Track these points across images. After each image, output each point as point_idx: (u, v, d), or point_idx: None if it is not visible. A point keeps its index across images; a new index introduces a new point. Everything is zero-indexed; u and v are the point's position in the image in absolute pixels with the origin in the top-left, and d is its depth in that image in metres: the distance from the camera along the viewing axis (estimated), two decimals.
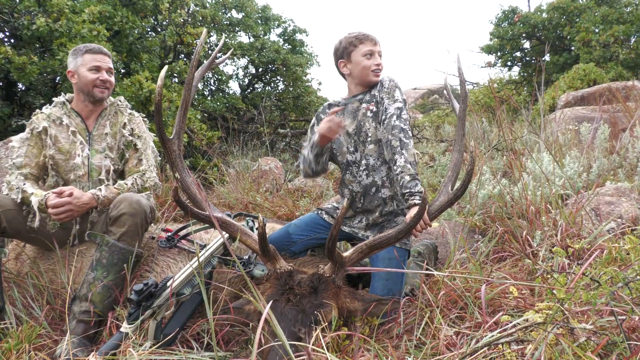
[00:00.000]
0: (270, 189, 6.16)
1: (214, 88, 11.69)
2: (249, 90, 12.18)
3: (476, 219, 3.56)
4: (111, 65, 3.04)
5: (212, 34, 10.51)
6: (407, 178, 2.40)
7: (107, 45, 5.86)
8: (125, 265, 2.53)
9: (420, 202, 2.31)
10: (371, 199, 2.71)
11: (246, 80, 12.48)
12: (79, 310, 2.47)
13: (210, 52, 10.28)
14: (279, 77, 12.09)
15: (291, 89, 11.73)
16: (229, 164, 7.09)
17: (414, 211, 2.29)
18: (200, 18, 9.14)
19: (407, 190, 2.39)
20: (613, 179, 4.24)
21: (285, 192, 6.03)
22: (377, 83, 2.76)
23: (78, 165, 2.87)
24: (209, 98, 10.77)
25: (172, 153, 2.41)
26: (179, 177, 2.41)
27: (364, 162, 2.72)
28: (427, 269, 2.79)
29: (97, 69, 2.96)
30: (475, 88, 14.03)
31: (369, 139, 2.71)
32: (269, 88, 12.39)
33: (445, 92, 3.13)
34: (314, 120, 2.99)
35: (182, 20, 7.02)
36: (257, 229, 2.68)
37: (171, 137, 2.43)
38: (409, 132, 2.50)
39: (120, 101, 3.14)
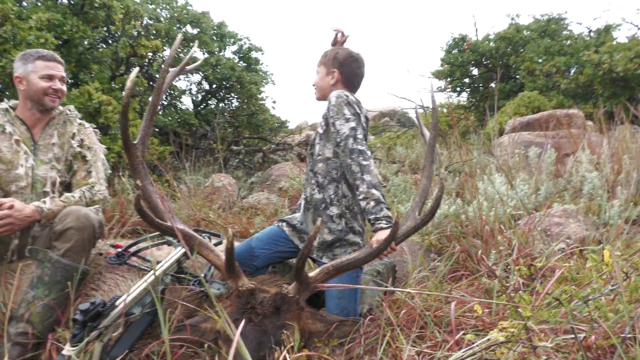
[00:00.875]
0: (224, 205, 6.02)
1: (166, 103, 11.45)
2: (203, 106, 12.01)
3: (432, 238, 3.58)
4: (64, 74, 2.89)
5: (165, 48, 10.32)
6: (372, 204, 2.34)
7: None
8: (69, 283, 2.37)
9: (389, 226, 2.28)
10: (320, 215, 2.66)
11: (200, 96, 12.31)
12: (15, 332, 2.28)
13: (163, 66, 10.09)
14: (233, 94, 12.00)
15: (245, 106, 11.65)
16: (180, 179, 6.91)
17: (382, 235, 2.24)
18: (154, 32, 8.97)
19: (373, 216, 2.35)
20: (559, 201, 4.39)
21: (239, 209, 5.92)
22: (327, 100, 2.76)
23: (21, 176, 2.68)
24: (160, 112, 10.53)
25: (135, 159, 2.29)
26: (140, 184, 2.28)
27: (314, 179, 2.69)
28: (389, 288, 2.77)
29: (50, 77, 2.80)
30: (427, 112, 14.40)
31: (318, 157, 2.67)
32: (223, 105, 12.27)
33: (415, 120, 3.13)
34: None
35: (136, 32, 6.84)
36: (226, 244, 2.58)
37: (135, 142, 2.31)
38: (368, 152, 2.43)
39: (69, 110, 2.98)
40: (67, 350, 1.94)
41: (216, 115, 10.86)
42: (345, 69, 2.79)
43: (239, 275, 2.08)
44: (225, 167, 9.08)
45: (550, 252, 2.98)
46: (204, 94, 12.19)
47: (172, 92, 11.14)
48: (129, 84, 2.09)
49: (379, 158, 10.84)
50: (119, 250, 2.57)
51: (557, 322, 1.59)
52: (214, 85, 11.78)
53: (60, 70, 2.85)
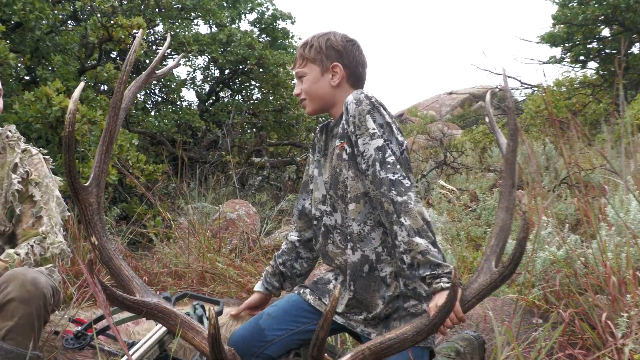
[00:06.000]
0: (239, 246, 6.10)
1: (159, 99, 11.71)
2: (211, 102, 12.23)
3: (534, 294, 3.51)
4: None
5: (157, 22, 10.58)
6: (420, 257, 2.31)
7: (1, 43, 5.90)
8: None
9: (448, 286, 2.24)
10: (366, 284, 2.61)
11: (207, 87, 12.54)
12: None
13: (152, 49, 10.35)
14: (253, 82, 12.17)
15: (271, 98, 11.77)
16: (179, 210, 7.05)
17: (440, 299, 2.22)
18: (140, 2, 9.25)
19: (427, 273, 2.32)
20: None
21: (261, 251, 5.98)
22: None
23: None
24: (152, 114, 10.78)
25: (87, 208, 2.38)
26: (96, 242, 2.37)
27: (348, 230, 2.66)
28: None
29: None
30: (536, 93, 14.15)
31: (348, 194, 2.62)
32: (240, 98, 12.45)
33: (487, 118, 3.03)
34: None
35: (110, 7, 7.09)
36: (207, 319, 2.64)
37: (87, 185, 2.40)
38: (404, 181, 2.39)
39: (10, 131, 3.11)
40: None
41: (230, 113, 11.00)
42: (348, 60, 2.77)
43: None
44: (242, 188, 9.20)
45: None
46: (212, 83, 12.43)
47: (168, 83, 11.37)
48: (71, 105, 2.19)
49: (467, 165, 10.75)
50: (79, 328, 2.66)
51: None
52: (226, 71, 12.00)
53: None
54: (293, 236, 3.04)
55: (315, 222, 2.85)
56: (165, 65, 2.93)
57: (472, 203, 7.52)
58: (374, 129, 2.48)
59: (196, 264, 5.15)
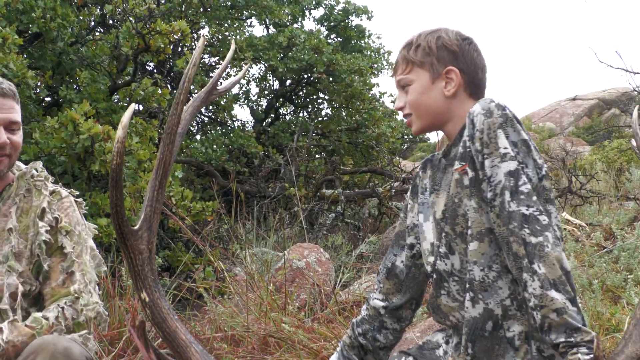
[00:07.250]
0: (310, 303, 6.10)
1: (206, 119, 11.86)
2: (269, 121, 12.29)
3: None
4: (17, 117, 3.03)
5: (202, 24, 10.73)
6: (554, 317, 2.26)
7: (18, 59, 6.11)
8: None
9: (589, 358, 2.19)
10: (488, 346, 2.55)
11: (264, 103, 12.65)
12: None
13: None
14: (321, 95, 12.21)
15: (344, 114, 11.77)
16: (234, 258, 7.10)
17: None
18: (182, 0, 9.44)
19: (562, 340, 2.27)
20: None
21: (337, 308, 5.97)
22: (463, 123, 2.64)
23: None
24: (198, 138, 10.88)
25: (137, 257, 2.37)
26: (147, 299, 2.39)
27: (468, 276, 2.61)
28: None
29: None
30: None
31: (469, 230, 2.56)
32: (305, 115, 12.50)
33: (633, 142, 2.93)
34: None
35: (147, 10, 7.28)
36: None
37: (136, 228, 2.43)
38: (541, 217, 2.33)
39: (36, 170, 3.18)
40: None
41: (293, 134, 11.05)
42: (465, 63, 2.73)
43: None
44: (312, 228, 9.20)
45: None
46: (270, 98, 12.53)
47: (216, 98, 11.45)
48: (120, 132, 2.24)
49: (597, 192, 10.51)
50: None
51: None
52: (288, 82, 12.08)
53: (9, 109, 2.99)
54: (377, 300, 3.02)
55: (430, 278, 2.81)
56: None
57: (607, 242, 7.35)
58: (505, 147, 2.41)
59: (257, 326, 5.16)
